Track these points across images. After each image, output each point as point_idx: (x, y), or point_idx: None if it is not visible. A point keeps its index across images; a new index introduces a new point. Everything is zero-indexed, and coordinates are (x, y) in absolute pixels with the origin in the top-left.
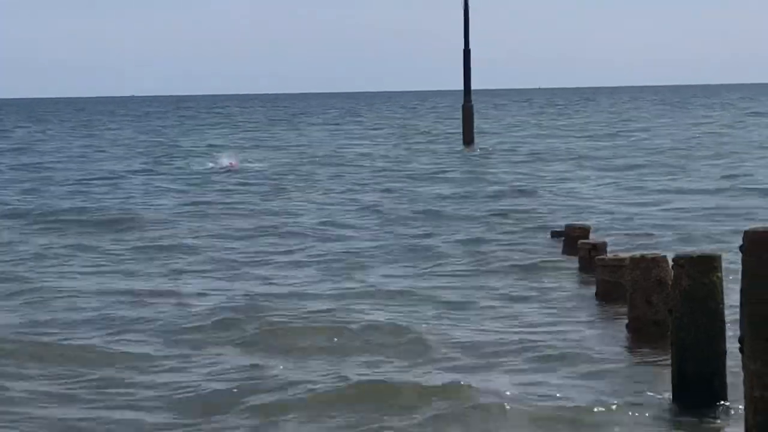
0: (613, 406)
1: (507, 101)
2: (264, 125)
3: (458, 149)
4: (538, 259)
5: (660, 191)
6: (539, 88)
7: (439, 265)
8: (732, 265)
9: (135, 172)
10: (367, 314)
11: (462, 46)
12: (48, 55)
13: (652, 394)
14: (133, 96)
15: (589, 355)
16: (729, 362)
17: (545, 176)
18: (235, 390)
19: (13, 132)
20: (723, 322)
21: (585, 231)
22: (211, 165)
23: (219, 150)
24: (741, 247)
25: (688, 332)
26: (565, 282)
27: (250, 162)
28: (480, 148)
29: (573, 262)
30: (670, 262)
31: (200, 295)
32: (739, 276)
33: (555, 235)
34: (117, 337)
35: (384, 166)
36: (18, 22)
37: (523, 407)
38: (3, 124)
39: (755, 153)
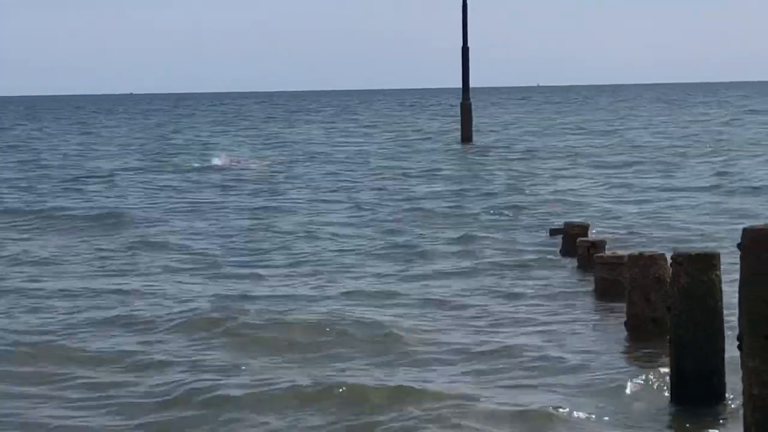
0: (611, 404)
1: (505, 99)
2: (261, 123)
3: (457, 147)
4: (536, 257)
5: (654, 188)
6: (537, 86)
7: (432, 263)
8: (731, 263)
9: (128, 169)
10: (354, 314)
11: (461, 44)
12: (47, 53)
13: (650, 392)
14: (132, 94)
15: (587, 353)
16: (728, 360)
17: (542, 174)
18: (211, 390)
19: (10, 129)
20: (721, 320)
21: (584, 229)
22: (206, 163)
23: (214, 148)
24: (740, 245)
25: (686, 330)
26: (564, 279)
27: (245, 160)
28: (478, 146)
29: (571, 260)
30: (669, 260)
31: (182, 294)
32: (738, 274)
33: (554, 233)
34: (98, 336)
35: (380, 163)
36: (17, 21)
37: (516, 407)
38: (0, 122)
39: (749, 150)
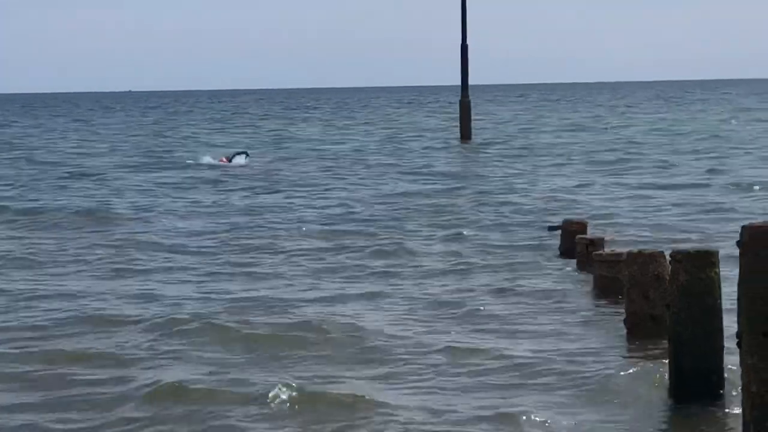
0: (610, 402)
1: (503, 97)
2: (258, 120)
3: (456, 144)
4: (534, 254)
5: (648, 186)
6: (535, 84)
7: (426, 261)
8: (730, 260)
9: (122, 167)
10: (339, 315)
11: (460, 42)
12: (47, 52)
13: (649, 389)
14: (131, 91)
15: (585, 350)
16: (726, 357)
17: (541, 172)
18: (187, 392)
19: (6, 127)
20: (720, 317)
21: (582, 226)
22: (200, 161)
23: (211, 146)
24: (738, 243)
25: (685, 327)
26: (562, 277)
27: (241, 157)
28: (477, 143)
29: (569, 257)
30: (668, 258)
31: (167, 293)
32: (737, 271)
33: (552, 229)
34: (77, 337)
35: (378, 161)
36: (17, 20)
37: (511, 408)
38: None
39: (741, 148)
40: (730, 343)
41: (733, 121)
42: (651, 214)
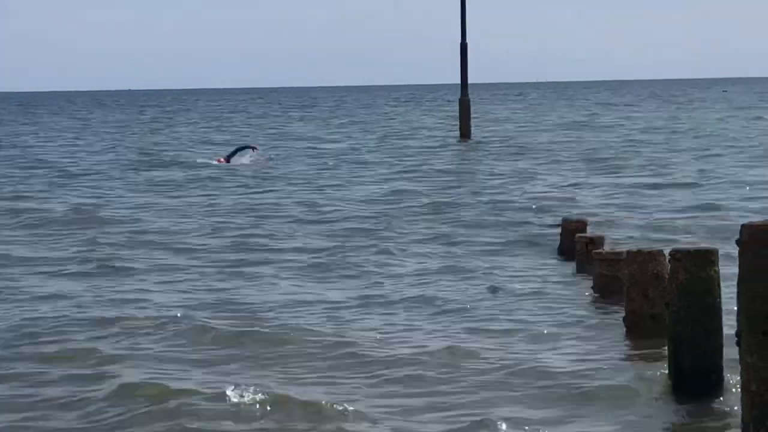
0: (609, 401)
1: (503, 96)
2: (256, 119)
3: (455, 142)
4: (534, 252)
5: (642, 186)
6: (535, 83)
7: (423, 262)
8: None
9: (115, 167)
10: (324, 319)
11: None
12: (46, 49)
13: (648, 388)
14: (130, 90)
15: (585, 349)
16: (726, 356)
17: (540, 171)
18: (161, 392)
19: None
20: (720, 316)
21: (582, 224)
22: (199, 160)
23: (209, 144)
24: (738, 241)
25: (684, 326)
26: (562, 275)
27: (238, 156)
28: (476, 142)
29: (569, 256)
30: (667, 256)
31: (152, 295)
32: (736, 270)
33: (552, 227)
34: (55, 336)
35: (376, 159)
36: (15, 18)
37: (507, 407)
38: None
39: (732, 147)
40: (729, 342)
41: (729, 119)
42: (645, 214)
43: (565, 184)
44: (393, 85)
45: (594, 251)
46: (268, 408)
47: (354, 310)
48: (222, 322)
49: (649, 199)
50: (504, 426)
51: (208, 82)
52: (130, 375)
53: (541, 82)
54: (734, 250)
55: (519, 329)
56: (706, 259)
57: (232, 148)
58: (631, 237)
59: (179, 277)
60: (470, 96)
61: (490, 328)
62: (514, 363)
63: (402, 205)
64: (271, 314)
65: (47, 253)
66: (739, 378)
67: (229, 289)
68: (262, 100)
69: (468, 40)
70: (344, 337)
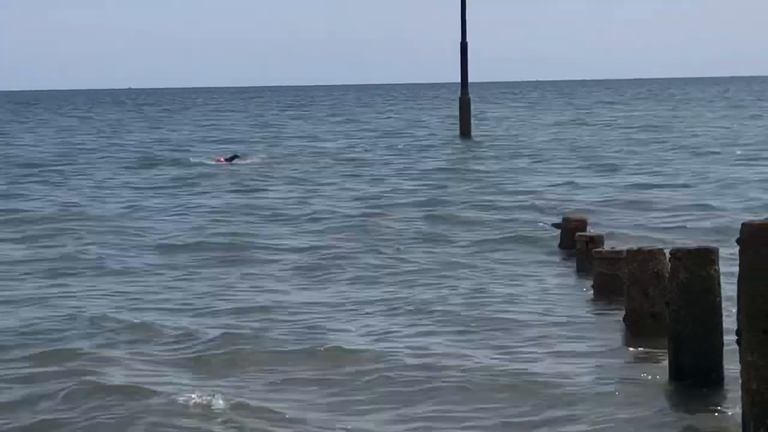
0: (609, 400)
1: (503, 95)
2: (255, 118)
3: (456, 141)
4: (534, 251)
5: (638, 186)
6: (536, 82)
7: (420, 261)
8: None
9: (110, 165)
10: (313, 323)
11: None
12: (46, 48)
13: (648, 387)
14: (130, 88)
15: (585, 347)
16: (726, 355)
17: (540, 170)
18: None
19: None
20: (720, 314)
21: (582, 223)
22: (193, 159)
23: (204, 145)
24: (738, 240)
25: (685, 325)
26: (562, 274)
27: (235, 156)
28: (477, 140)
29: (569, 254)
30: (668, 255)
31: (124, 299)
32: (737, 268)
33: (552, 226)
34: (20, 338)
35: (375, 158)
36: (14, 15)
37: (505, 408)
38: None
39: (732, 145)
40: (729, 341)
41: (725, 118)
42: (640, 213)
43: (564, 182)
44: (393, 84)
45: (594, 250)
46: (226, 414)
47: (342, 312)
48: (201, 324)
49: (644, 199)
50: (503, 426)
51: (208, 81)
52: (106, 376)
53: (541, 81)
54: (733, 250)
55: (518, 328)
56: (707, 258)
57: (229, 147)
58: (626, 234)
59: (157, 278)
60: (470, 95)
61: (489, 327)
62: (514, 363)
63: (399, 203)
64: (254, 316)
65: (30, 252)
66: (739, 376)
67: (211, 290)
68: (261, 98)
69: (468, 39)
70: (330, 341)
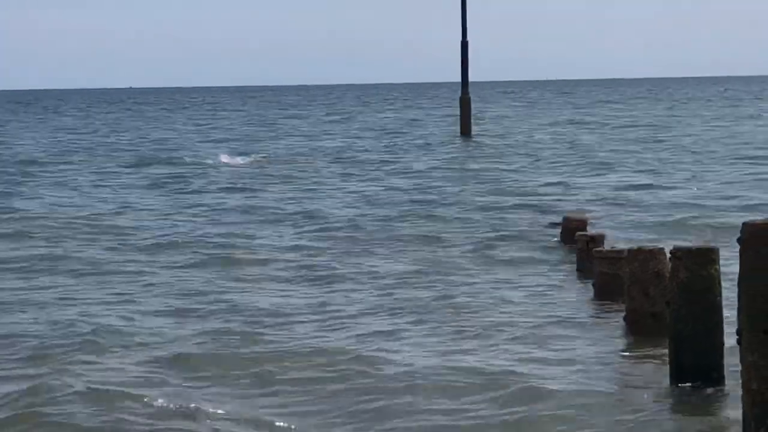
0: (610, 399)
1: (502, 94)
2: (255, 118)
3: (456, 139)
4: (535, 251)
5: (634, 187)
6: (535, 81)
7: (415, 260)
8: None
9: (104, 164)
10: (305, 330)
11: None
12: (46, 48)
13: (649, 386)
14: (131, 88)
15: (585, 347)
16: (727, 354)
17: (540, 169)
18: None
19: None
20: (721, 314)
21: (583, 222)
22: (194, 159)
23: (208, 144)
24: (739, 240)
25: (685, 324)
26: (562, 274)
27: (236, 156)
28: (477, 139)
29: (570, 254)
30: (668, 255)
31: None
32: (737, 268)
33: (552, 225)
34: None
35: (375, 157)
36: (15, 15)
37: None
38: None
39: (723, 146)
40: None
41: (722, 117)
42: (640, 213)
43: (564, 182)
44: (393, 84)
45: (594, 249)
46: (209, 420)
47: (335, 314)
48: (187, 326)
49: (644, 198)
50: (501, 426)
51: (208, 81)
52: (82, 379)
53: (541, 81)
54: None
55: (518, 328)
56: (707, 257)
57: (228, 147)
58: (623, 234)
59: (156, 278)
60: (470, 94)
61: (488, 327)
62: (513, 363)
63: (399, 203)
64: (240, 319)
65: (15, 252)
66: (739, 376)
67: (200, 291)
68: (261, 98)
69: (468, 38)
70: (320, 344)
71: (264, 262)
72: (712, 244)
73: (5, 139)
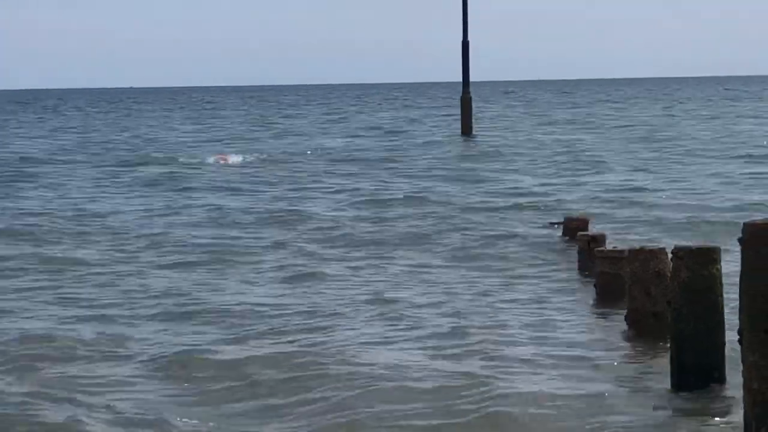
0: (611, 399)
1: (502, 94)
2: (255, 118)
3: (457, 139)
4: (536, 250)
5: (630, 188)
6: (535, 81)
7: (413, 260)
8: (731, 257)
9: (101, 164)
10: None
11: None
12: (46, 48)
13: (650, 386)
14: (132, 87)
15: (587, 347)
16: (728, 354)
17: (540, 169)
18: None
19: None
20: (722, 314)
21: (584, 222)
22: (190, 159)
23: (207, 144)
24: (740, 240)
25: (687, 324)
26: (563, 273)
27: (233, 156)
28: (478, 139)
29: (571, 254)
30: (669, 254)
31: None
32: (739, 268)
33: (553, 225)
34: None
35: (375, 157)
36: (14, 14)
37: (517, 399)
38: None
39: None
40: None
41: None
42: (638, 212)
43: (564, 182)
44: (393, 83)
45: (596, 249)
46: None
47: (327, 315)
48: (171, 328)
49: (643, 197)
50: (499, 427)
51: (208, 80)
52: (58, 386)
53: (541, 81)
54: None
55: (518, 327)
56: (708, 257)
57: (228, 147)
58: (621, 233)
59: (147, 279)
60: (472, 93)
61: (488, 327)
62: (513, 363)
63: (399, 203)
64: (232, 319)
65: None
66: (741, 376)
67: (188, 293)
68: (261, 97)
69: (470, 38)
70: (310, 346)
71: (255, 263)
72: (713, 244)
73: (2, 139)
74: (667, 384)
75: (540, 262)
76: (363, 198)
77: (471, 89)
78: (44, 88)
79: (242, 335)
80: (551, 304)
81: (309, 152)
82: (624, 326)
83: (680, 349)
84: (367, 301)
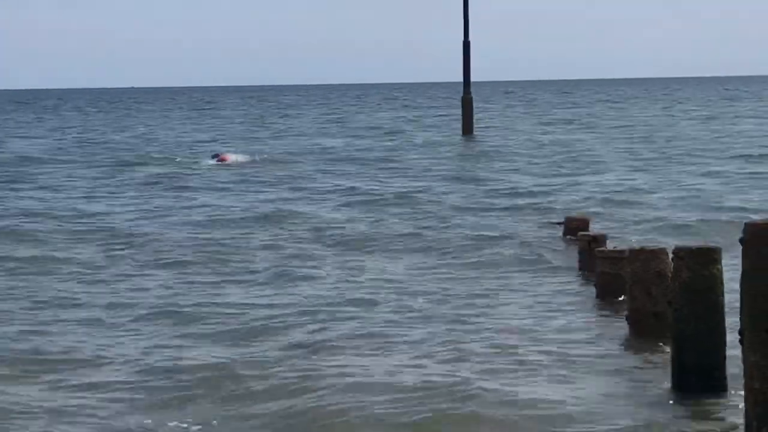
0: (612, 399)
1: (502, 94)
2: (255, 118)
3: (458, 139)
4: (536, 250)
5: (626, 189)
6: (536, 81)
7: (412, 260)
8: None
9: (99, 164)
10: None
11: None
12: (47, 47)
13: (651, 386)
14: (133, 87)
15: (587, 346)
16: (729, 354)
17: (541, 168)
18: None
19: None
20: (723, 314)
21: (584, 222)
22: (188, 159)
23: (207, 144)
24: (741, 240)
25: (687, 324)
26: (564, 273)
27: (234, 156)
28: (479, 139)
29: (572, 254)
30: (670, 255)
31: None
32: (740, 268)
33: (553, 225)
34: None
35: (377, 157)
36: (14, 14)
37: (516, 400)
38: None
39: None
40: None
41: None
42: (638, 212)
43: (564, 182)
44: (394, 83)
45: (597, 249)
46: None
47: (322, 316)
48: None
49: (642, 197)
50: (497, 428)
51: (208, 80)
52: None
53: (541, 81)
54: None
55: (518, 327)
56: (709, 257)
57: (227, 147)
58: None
59: (139, 280)
60: (473, 94)
61: (487, 327)
62: (512, 363)
63: (398, 203)
64: (221, 321)
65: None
66: (742, 376)
67: (179, 293)
68: (260, 96)
69: (471, 38)
70: (301, 348)
71: (249, 263)
72: (714, 244)
73: (2, 139)
74: (667, 384)
75: (539, 262)
76: (360, 198)
77: (471, 89)
78: (44, 88)
79: (234, 336)
80: (551, 304)
81: (309, 152)
82: (625, 326)
83: (681, 349)
84: (361, 302)
